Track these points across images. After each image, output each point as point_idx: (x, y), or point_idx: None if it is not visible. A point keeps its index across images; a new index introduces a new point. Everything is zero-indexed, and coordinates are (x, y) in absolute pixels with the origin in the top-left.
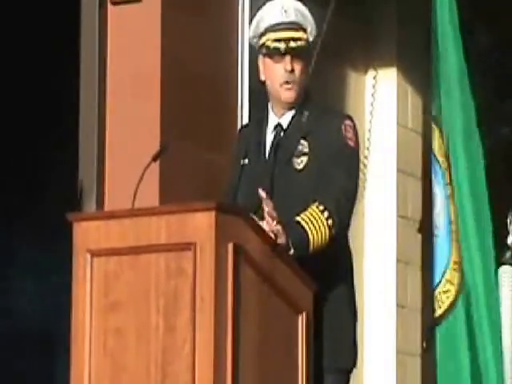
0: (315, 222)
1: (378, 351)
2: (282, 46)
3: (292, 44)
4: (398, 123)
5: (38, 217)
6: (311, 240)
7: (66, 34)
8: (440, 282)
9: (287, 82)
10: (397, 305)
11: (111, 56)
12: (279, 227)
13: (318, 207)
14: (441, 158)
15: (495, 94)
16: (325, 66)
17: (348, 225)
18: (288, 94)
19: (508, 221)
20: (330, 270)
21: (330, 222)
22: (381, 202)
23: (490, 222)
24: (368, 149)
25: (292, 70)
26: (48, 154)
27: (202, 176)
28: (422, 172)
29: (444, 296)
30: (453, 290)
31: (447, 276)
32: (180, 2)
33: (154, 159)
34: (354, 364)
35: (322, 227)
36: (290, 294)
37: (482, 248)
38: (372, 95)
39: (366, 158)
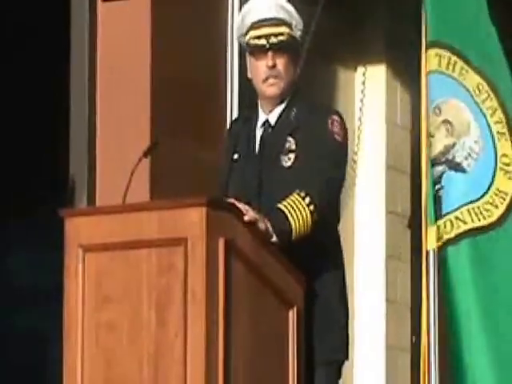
0: (296, 208)
1: (368, 346)
2: (262, 42)
3: (273, 40)
4: (387, 120)
5: (30, 212)
6: (293, 225)
7: (56, 31)
8: (483, 195)
9: (269, 78)
10: (387, 300)
11: (101, 52)
12: (257, 215)
13: (299, 194)
14: (480, 100)
15: None
16: (315, 63)
17: (333, 212)
18: (271, 89)
19: None
20: (323, 265)
21: (311, 207)
22: (370, 198)
23: None
24: (358, 145)
25: (274, 66)
26: (39, 151)
27: (192, 172)
28: (411, 168)
29: (486, 213)
30: (495, 212)
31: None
32: None
33: (145, 155)
34: (345, 356)
35: (303, 213)
36: (281, 289)
37: None
38: (361, 92)
39: (355, 154)
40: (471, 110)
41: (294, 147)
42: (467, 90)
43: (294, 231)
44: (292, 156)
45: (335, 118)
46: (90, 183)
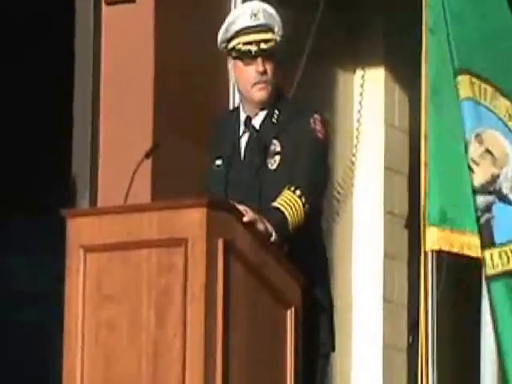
0: (290, 203)
1: (365, 345)
2: (253, 48)
3: (263, 46)
4: (385, 121)
5: (31, 212)
6: (289, 220)
7: (61, 32)
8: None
9: (259, 83)
10: (384, 299)
11: (105, 55)
12: (256, 215)
13: (289, 188)
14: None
15: None
16: (314, 67)
17: (320, 204)
18: (261, 94)
19: None
20: (311, 258)
21: (303, 199)
22: (368, 199)
23: None
24: (356, 147)
25: (264, 71)
26: (41, 151)
27: (193, 173)
28: (409, 169)
29: None
30: None
31: None
32: (173, 1)
33: (147, 156)
34: (332, 348)
35: (296, 205)
36: (279, 289)
37: None
38: (360, 94)
39: (354, 155)
40: (506, 137)
41: (278, 149)
42: (499, 118)
43: (290, 225)
44: (277, 158)
45: (317, 116)
46: (92, 184)
